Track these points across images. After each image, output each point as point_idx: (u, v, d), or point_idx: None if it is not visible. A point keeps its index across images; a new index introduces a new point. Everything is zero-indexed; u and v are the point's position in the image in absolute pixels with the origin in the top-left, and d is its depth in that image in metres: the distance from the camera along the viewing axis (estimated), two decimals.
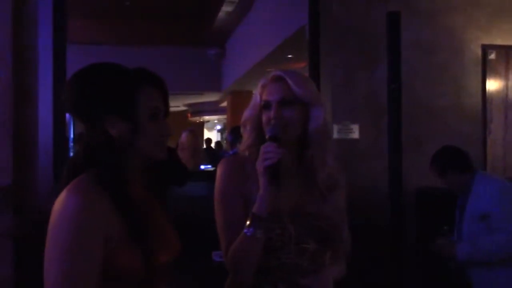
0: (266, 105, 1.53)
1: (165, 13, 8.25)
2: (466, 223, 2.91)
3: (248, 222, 1.41)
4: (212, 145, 13.92)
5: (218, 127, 18.70)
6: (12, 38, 3.08)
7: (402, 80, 2.99)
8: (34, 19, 3.22)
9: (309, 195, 1.53)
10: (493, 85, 4.02)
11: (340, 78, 3.76)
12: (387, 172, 3.06)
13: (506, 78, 4.06)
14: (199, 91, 12.75)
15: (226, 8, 8.28)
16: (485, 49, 3.99)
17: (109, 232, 1.14)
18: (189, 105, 15.44)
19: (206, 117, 17.11)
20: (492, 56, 4.00)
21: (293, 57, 7.51)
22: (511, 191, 2.85)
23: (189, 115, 16.39)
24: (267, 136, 1.48)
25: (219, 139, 17.39)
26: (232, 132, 4.24)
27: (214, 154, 9.93)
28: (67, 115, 3.26)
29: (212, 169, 5.80)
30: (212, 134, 18.14)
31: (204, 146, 12.65)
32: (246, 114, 1.59)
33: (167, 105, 1.33)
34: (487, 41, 3.99)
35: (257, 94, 1.57)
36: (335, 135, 3.62)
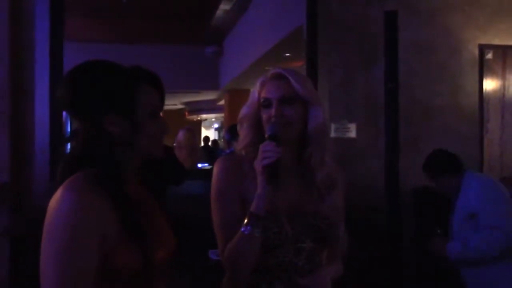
0: (266, 103, 1.52)
1: (163, 11, 8.24)
2: (456, 222, 2.97)
3: (246, 221, 1.41)
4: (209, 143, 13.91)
5: (216, 125, 18.70)
6: (9, 36, 3.08)
7: (400, 80, 2.99)
8: (32, 16, 3.21)
9: (307, 194, 1.53)
10: (490, 84, 4.03)
11: (338, 77, 3.76)
12: (384, 171, 3.06)
13: (503, 78, 4.07)
14: (197, 89, 12.73)
15: (224, 7, 8.27)
16: (483, 48, 4.00)
17: (105, 230, 1.14)
18: (187, 104, 15.42)
19: (204, 116, 17.09)
20: (489, 55, 4.01)
21: (291, 55, 7.51)
22: (494, 187, 2.92)
23: (186, 113, 16.38)
24: (266, 135, 1.47)
25: (216, 137, 17.39)
26: (229, 130, 4.24)
27: (211, 152, 9.92)
28: (64, 112, 3.26)
29: (209, 167, 5.79)
30: (210, 133, 18.14)
31: (202, 144, 12.64)
32: (243, 111, 1.58)
33: (163, 103, 1.33)
34: (484, 40, 4.00)
35: (255, 91, 1.56)
36: (332, 134, 3.62)
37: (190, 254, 2.63)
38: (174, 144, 4.49)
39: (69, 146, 1.30)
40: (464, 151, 3.87)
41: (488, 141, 4.00)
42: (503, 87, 4.07)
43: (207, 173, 4.49)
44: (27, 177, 3.16)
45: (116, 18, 8.70)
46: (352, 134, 3.72)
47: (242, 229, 1.41)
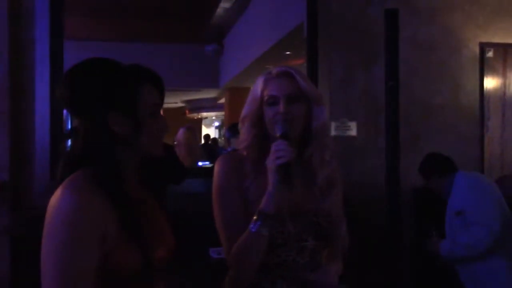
0: (271, 100, 1.50)
1: (163, 10, 8.23)
2: (447, 221, 3.06)
3: (254, 218, 1.40)
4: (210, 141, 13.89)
5: (216, 123, 18.69)
6: (9, 35, 3.07)
7: (400, 78, 2.98)
8: (31, 15, 3.21)
9: (308, 192, 1.53)
10: (490, 83, 4.03)
11: (338, 76, 3.75)
12: (384, 169, 3.06)
13: (504, 76, 4.06)
14: (197, 87, 12.72)
15: (224, 5, 8.26)
16: (483, 47, 4.00)
17: (105, 229, 1.14)
18: (187, 102, 15.41)
19: (204, 114, 17.08)
20: (490, 54, 4.01)
21: (291, 54, 7.50)
22: (480, 185, 3.01)
23: (187, 111, 16.37)
24: (277, 134, 1.46)
25: (217, 135, 17.38)
26: (230, 128, 4.24)
27: (211, 151, 9.92)
28: (64, 111, 3.26)
29: (209, 165, 5.79)
30: (210, 131, 18.13)
31: (202, 142, 12.63)
32: (246, 109, 1.56)
33: (163, 101, 1.33)
34: (485, 39, 4.00)
35: (258, 89, 1.54)
36: (333, 133, 3.62)
37: (191, 252, 2.63)
38: (175, 143, 4.49)
39: (68, 144, 1.30)
40: (464, 149, 3.88)
41: (488, 140, 4.00)
42: (504, 85, 4.06)
43: (208, 171, 4.49)
44: (27, 176, 3.16)
45: (116, 16, 8.70)
46: (353, 132, 3.72)
47: (250, 227, 1.41)
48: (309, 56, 3.75)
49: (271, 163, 1.41)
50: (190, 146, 4.46)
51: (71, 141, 1.28)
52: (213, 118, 18.27)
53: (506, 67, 4.07)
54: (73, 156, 1.24)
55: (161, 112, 1.33)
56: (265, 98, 1.51)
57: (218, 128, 18.52)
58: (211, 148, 11.30)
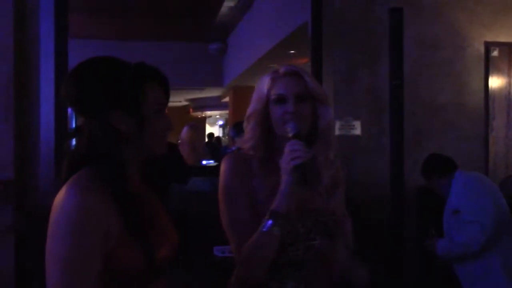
0: (280, 99, 1.49)
1: (167, 8, 8.22)
2: (445, 219, 3.09)
3: (266, 218, 1.40)
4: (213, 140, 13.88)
5: (220, 122, 18.67)
6: (14, 33, 3.08)
7: (404, 77, 2.98)
8: (36, 13, 3.22)
9: (313, 191, 1.53)
10: (495, 82, 4.01)
11: (342, 74, 3.75)
12: (389, 168, 3.06)
13: (509, 76, 4.04)
14: (201, 86, 12.72)
15: (228, 3, 8.25)
16: (488, 46, 3.98)
17: (108, 229, 1.14)
18: (191, 100, 15.41)
19: (208, 112, 17.07)
20: (495, 53, 3.99)
21: (295, 53, 7.49)
22: (475, 185, 3.05)
23: (191, 110, 16.37)
24: (289, 134, 1.45)
25: (221, 134, 17.38)
26: (234, 127, 4.23)
27: (215, 149, 9.92)
28: (69, 109, 3.26)
29: (214, 164, 5.79)
30: (214, 129, 18.13)
31: (206, 140, 12.63)
32: (252, 108, 1.55)
33: (168, 100, 1.33)
34: (490, 38, 3.98)
35: (264, 87, 1.53)
36: (337, 132, 3.61)
37: (195, 251, 2.63)
38: (179, 141, 4.50)
39: (73, 142, 1.30)
40: (469, 149, 3.87)
41: (493, 139, 3.98)
42: (509, 84, 4.05)
43: (212, 170, 4.49)
44: (31, 174, 3.17)
45: (120, 15, 8.69)
46: (357, 131, 3.71)
47: (262, 227, 1.40)
48: (313, 55, 3.75)
49: (286, 163, 1.40)
50: (193, 144, 4.46)
51: (76, 140, 1.28)
52: (217, 116, 18.26)
53: (511, 67, 4.05)
54: (77, 155, 1.24)
55: (166, 110, 1.33)
56: (273, 96, 1.51)
57: (222, 126, 18.51)
58: (214, 146, 11.31)
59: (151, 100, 1.25)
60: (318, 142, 1.52)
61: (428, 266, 3.42)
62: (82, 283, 1.10)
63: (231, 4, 8.28)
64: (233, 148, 4.16)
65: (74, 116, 3.20)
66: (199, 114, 16.89)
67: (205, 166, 5.38)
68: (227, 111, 14.62)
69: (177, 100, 14.68)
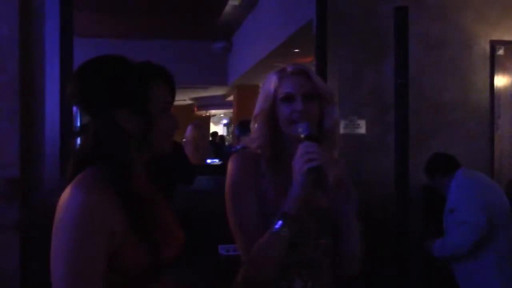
0: (287, 98, 1.49)
1: (172, 7, 8.23)
2: (444, 218, 3.14)
3: (276, 218, 1.39)
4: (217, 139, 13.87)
5: (224, 121, 18.69)
6: (19, 32, 3.09)
7: (409, 76, 2.97)
8: (41, 11, 3.23)
9: (319, 190, 1.53)
10: (501, 81, 3.99)
11: (347, 73, 3.74)
12: (393, 167, 3.05)
13: None
14: (205, 85, 12.73)
15: (232, 2, 8.24)
16: (494, 44, 3.96)
17: (113, 228, 1.14)
18: (195, 99, 15.43)
19: (212, 111, 17.09)
20: (501, 52, 3.97)
21: (299, 51, 7.48)
22: (471, 183, 3.08)
23: (195, 109, 16.39)
24: (301, 135, 1.44)
25: (225, 133, 17.38)
26: (239, 126, 4.23)
27: (218, 148, 9.92)
28: (74, 108, 3.27)
29: (218, 163, 5.79)
30: (219, 128, 18.14)
31: (209, 139, 12.63)
32: (260, 106, 1.54)
33: (173, 98, 1.33)
34: (495, 36, 3.96)
35: (271, 86, 1.52)
36: (342, 131, 3.61)
37: (199, 250, 2.64)
38: (184, 140, 4.51)
39: (78, 141, 1.30)
40: (474, 148, 3.86)
41: (498, 138, 3.96)
42: None
43: (216, 169, 4.50)
44: (37, 172, 3.18)
45: (124, 14, 8.70)
46: (362, 130, 3.71)
47: (272, 227, 1.39)
48: (318, 53, 3.74)
49: (300, 165, 1.38)
50: (197, 143, 4.47)
51: (81, 139, 1.28)
52: (222, 115, 18.28)
53: None
54: (83, 154, 1.24)
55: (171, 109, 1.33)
56: (280, 95, 1.50)
57: (227, 125, 18.52)
58: (218, 146, 11.31)
59: (157, 99, 1.25)
60: (324, 141, 1.52)
61: (431, 266, 3.42)
62: (87, 282, 1.10)
63: (236, 2, 8.28)
64: (238, 147, 4.16)
65: (79, 115, 3.22)
66: (203, 113, 16.90)
67: (209, 165, 5.39)
68: (231, 110, 14.63)
69: (182, 99, 14.70)
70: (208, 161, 5.53)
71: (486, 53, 3.96)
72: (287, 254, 1.45)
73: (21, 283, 3.04)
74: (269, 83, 1.53)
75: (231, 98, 13.76)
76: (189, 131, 4.54)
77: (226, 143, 12.75)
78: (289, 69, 1.53)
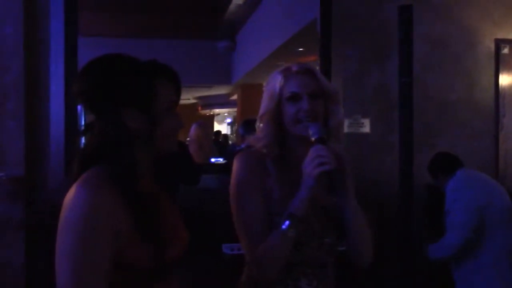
0: (293, 97, 1.49)
1: (176, 6, 8.24)
2: (444, 219, 3.15)
3: (283, 219, 1.39)
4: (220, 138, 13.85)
5: (228, 120, 18.69)
6: (24, 31, 3.10)
7: (414, 74, 2.96)
8: (46, 11, 3.23)
9: (329, 193, 1.52)
10: (506, 79, 3.98)
11: (351, 72, 3.74)
12: (398, 166, 3.04)
13: None
14: (209, 84, 12.74)
15: (237, 1, 8.24)
16: (499, 43, 3.95)
17: (118, 227, 1.14)
18: (199, 98, 15.44)
19: (216, 110, 17.10)
20: (506, 50, 3.96)
21: (304, 50, 7.48)
22: (461, 187, 3.09)
23: (199, 108, 16.40)
24: (312, 138, 1.43)
25: (229, 132, 17.38)
26: (243, 125, 4.22)
27: (222, 147, 9.92)
28: (79, 107, 3.29)
29: (222, 162, 5.79)
30: (222, 127, 18.15)
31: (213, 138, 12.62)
32: (266, 106, 1.54)
33: (179, 97, 1.33)
34: (500, 35, 3.95)
35: (276, 85, 1.52)
36: (346, 130, 3.61)
37: (204, 248, 2.64)
38: (188, 139, 4.51)
39: (83, 139, 1.30)
40: (479, 147, 3.85)
41: (503, 137, 3.95)
42: None
43: (220, 168, 4.50)
44: (42, 171, 3.19)
45: (128, 13, 8.72)
46: (366, 129, 3.70)
47: (279, 227, 1.39)
48: (322, 52, 3.74)
49: (311, 168, 1.37)
50: (200, 142, 4.47)
51: (86, 138, 1.28)
52: (225, 114, 18.28)
53: None
54: (88, 153, 1.24)
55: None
56: (286, 94, 1.50)
57: (230, 124, 18.52)
58: (221, 145, 11.30)
59: (162, 98, 1.25)
60: (329, 140, 1.52)
61: (434, 266, 3.43)
62: (91, 281, 1.11)
63: (240, 1, 8.28)
64: (242, 145, 4.15)
65: (83, 114, 3.23)
66: (207, 112, 16.91)
67: (213, 164, 5.39)
68: (235, 109, 14.63)
69: (186, 98, 14.71)
70: (212, 160, 5.54)
71: (491, 51, 3.95)
72: (293, 254, 1.45)
73: (26, 281, 3.06)
74: (274, 83, 1.53)
75: (235, 97, 13.77)
76: (193, 130, 4.55)
77: (230, 142, 12.75)
78: (294, 68, 1.52)
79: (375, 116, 3.72)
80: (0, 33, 3.07)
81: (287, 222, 1.39)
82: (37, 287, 3.04)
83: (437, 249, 3.07)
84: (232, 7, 8.54)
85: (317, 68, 3.69)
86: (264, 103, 1.55)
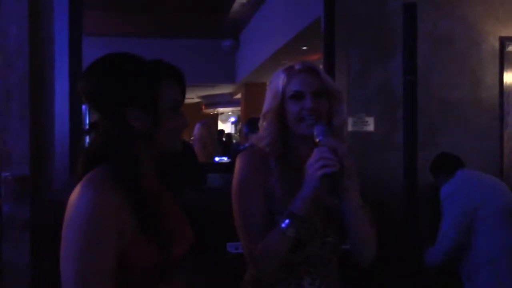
0: (296, 96, 1.48)
1: (179, 5, 8.24)
2: None
3: (284, 218, 1.39)
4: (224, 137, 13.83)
5: (232, 119, 18.70)
6: (28, 30, 3.11)
7: (418, 72, 2.96)
8: (50, 10, 3.24)
9: (331, 195, 1.52)
10: (510, 77, 3.96)
11: (355, 70, 3.73)
12: (402, 165, 3.04)
13: None
14: (213, 83, 12.74)
15: (240, 0, 8.25)
16: (503, 41, 3.93)
17: (122, 226, 1.15)
18: (203, 97, 15.45)
19: (220, 109, 17.11)
20: (510, 48, 3.94)
21: (307, 49, 7.47)
22: (451, 192, 3.07)
23: (203, 107, 16.41)
24: (317, 139, 1.42)
25: (233, 131, 17.38)
26: (247, 123, 4.22)
27: (225, 147, 9.92)
28: (83, 106, 3.30)
29: (226, 161, 5.79)
30: (226, 126, 18.15)
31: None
32: (269, 104, 1.54)
33: (184, 97, 1.33)
34: (505, 33, 3.93)
35: (279, 84, 1.52)
36: (350, 128, 3.60)
37: (208, 247, 2.65)
38: (192, 138, 4.52)
39: (87, 138, 1.31)
40: (483, 145, 3.83)
41: (508, 135, 3.94)
42: None
43: (224, 166, 4.50)
44: (47, 170, 3.20)
45: (132, 12, 8.73)
46: (370, 127, 3.70)
47: (279, 225, 1.39)
48: (326, 51, 3.73)
49: (314, 169, 1.36)
50: (204, 141, 4.48)
51: (90, 137, 1.28)
52: (229, 113, 18.29)
53: None
54: (92, 153, 1.24)
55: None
56: (289, 93, 1.49)
57: (234, 123, 18.52)
58: (225, 144, 11.30)
59: (167, 98, 1.25)
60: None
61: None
62: (96, 281, 1.11)
63: (243, 0, 8.27)
64: (246, 144, 4.16)
65: (88, 113, 3.24)
66: (211, 111, 16.92)
67: (217, 163, 5.39)
68: (239, 108, 14.63)
69: (190, 97, 14.71)
70: (217, 159, 5.54)
71: (496, 49, 3.94)
72: (295, 253, 1.45)
73: (32, 280, 3.07)
74: (277, 81, 1.53)
75: (239, 96, 13.76)
76: (197, 129, 4.56)
77: (234, 141, 12.75)
78: (297, 66, 1.52)
79: (379, 114, 3.71)
80: (5, 33, 3.08)
81: (286, 221, 1.38)
82: (42, 287, 3.05)
83: (430, 254, 3.08)
84: (235, 6, 8.54)
85: (321, 66, 3.69)
86: (267, 102, 1.54)
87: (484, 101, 3.91)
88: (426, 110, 3.57)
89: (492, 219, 2.95)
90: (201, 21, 9.32)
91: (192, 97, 14.99)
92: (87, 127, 1.30)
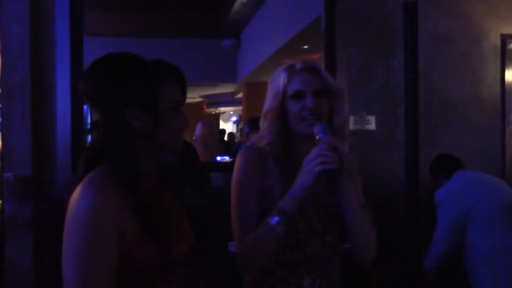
0: (297, 95, 1.48)
1: (180, 5, 8.24)
2: None
3: (273, 213, 1.38)
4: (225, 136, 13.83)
5: (234, 118, 18.70)
6: (30, 31, 3.11)
7: (419, 71, 2.96)
8: (51, 11, 3.25)
9: (328, 193, 1.52)
10: None
11: (356, 69, 3.73)
12: (403, 163, 3.04)
13: None
14: (214, 82, 12.74)
15: None
16: (505, 39, 3.92)
17: (123, 227, 1.15)
18: (205, 97, 15.45)
19: (222, 109, 17.11)
20: None
21: (308, 48, 7.47)
22: (444, 197, 3.10)
23: (204, 106, 16.41)
24: (317, 137, 1.41)
25: (235, 130, 17.38)
26: (249, 123, 4.22)
27: (227, 146, 9.92)
28: (85, 106, 3.30)
29: (228, 160, 5.80)
30: (228, 126, 18.16)
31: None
32: (270, 104, 1.53)
33: (185, 97, 1.33)
34: (506, 30, 3.92)
35: (280, 83, 1.51)
36: (352, 127, 3.60)
37: (210, 247, 2.65)
38: (193, 138, 4.53)
39: (89, 138, 1.31)
40: (485, 144, 3.83)
41: (510, 134, 3.93)
42: None
43: (226, 166, 4.50)
44: (49, 170, 3.21)
45: (133, 11, 8.73)
46: (371, 126, 3.70)
47: (268, 220, 1.38)
48: (327, 50, 3.73)
49: (312, 166, 1.35)
50: (205, 140, 4.48)
51: (91, 137, 1.29)
52: (231, 113, 18.29)
53: None
54: (93, 152, 1.24)
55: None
56: (290, 92, 1.49)
57: (236, 123, 18.52)
58: (226, 143, 11.30)
59: (167, 97, 1.25)
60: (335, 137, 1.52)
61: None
62: (97, 281, 1.12)
63: (244, 0, 8.28)
64: (247, 144, 4.16)
65: (89, 113, 3.24)
66: (213, 110, 16.92)
67: (219, 162, 5.40)
68: (240, 107, 14.63)
69: (191, 96, 14.72)
70: (218, 158, 5.55)
71: (497, 47, 3.93)
72: (295, 252, 1.45)
73: (34, 280, 3.08)
74: (278, 80, 1.52)
75: (240, 95, 13.76)
76: (198, 129, 4.56)
77: (236, 141, 12.75)
78: (298, 65, 1.51)
79: (380, 113, 3.71)
80: (7, 33, 3.08)
81: (276, 218, 1.37)
82: (44, 286, 3.05)
83: (426, 258, 3.10)
84: (236, 5, 8.54)
85: (322, 65, 3.69)
86: (268, 101, 1.54)
87: (486, 99, 3.90)
88: (427, 108, 3.57)
89: (489, 218, 2.94)
90: (202, 21, 9.32)
91: (194, 96, 14.99)
92: (88, 126, 1.30)
